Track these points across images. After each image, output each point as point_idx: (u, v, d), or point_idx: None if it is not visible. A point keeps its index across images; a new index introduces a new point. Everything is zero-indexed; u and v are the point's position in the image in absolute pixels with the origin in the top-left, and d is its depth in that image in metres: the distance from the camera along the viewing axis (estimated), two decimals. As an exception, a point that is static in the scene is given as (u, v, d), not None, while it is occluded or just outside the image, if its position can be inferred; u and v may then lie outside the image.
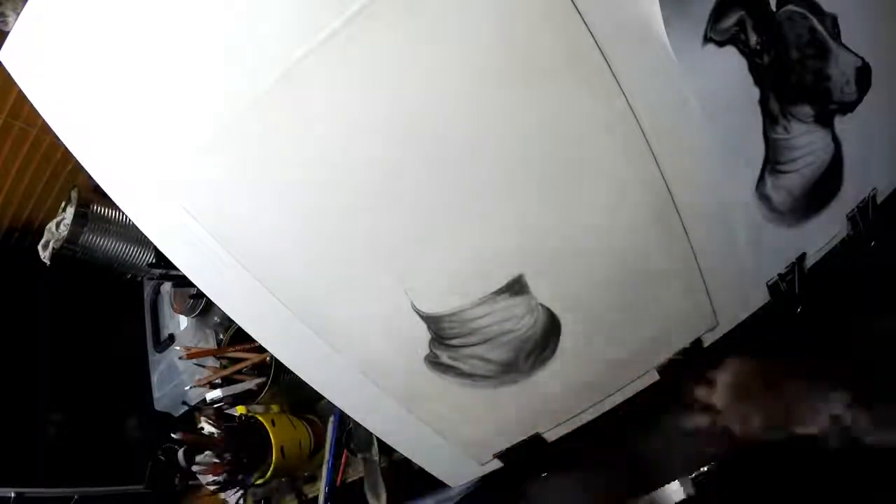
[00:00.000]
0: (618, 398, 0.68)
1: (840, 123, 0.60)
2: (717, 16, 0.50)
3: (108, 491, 1.00)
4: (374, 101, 0.49)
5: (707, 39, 0.50)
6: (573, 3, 0.45)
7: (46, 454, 0.97)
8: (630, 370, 0.66)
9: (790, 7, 0.54)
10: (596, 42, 0.46)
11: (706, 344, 0.65)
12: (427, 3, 0.45)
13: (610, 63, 0.47)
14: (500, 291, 0.58)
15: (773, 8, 0.53)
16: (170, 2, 0.46)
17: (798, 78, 0.57)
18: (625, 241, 0.57)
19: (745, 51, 0.53)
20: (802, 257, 0.64)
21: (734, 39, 0.52)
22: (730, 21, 0.52)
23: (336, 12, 0.44)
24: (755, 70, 0.54)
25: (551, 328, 0.61)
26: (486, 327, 0.60)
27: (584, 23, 0.46)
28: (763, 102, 0.55)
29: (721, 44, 0.51)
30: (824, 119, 0.59)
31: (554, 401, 0.67)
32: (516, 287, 0.58)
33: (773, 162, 0.59)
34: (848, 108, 0.60)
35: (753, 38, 0.53)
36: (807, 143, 0.59)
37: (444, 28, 0.46)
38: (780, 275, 0.64)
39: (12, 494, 0.89)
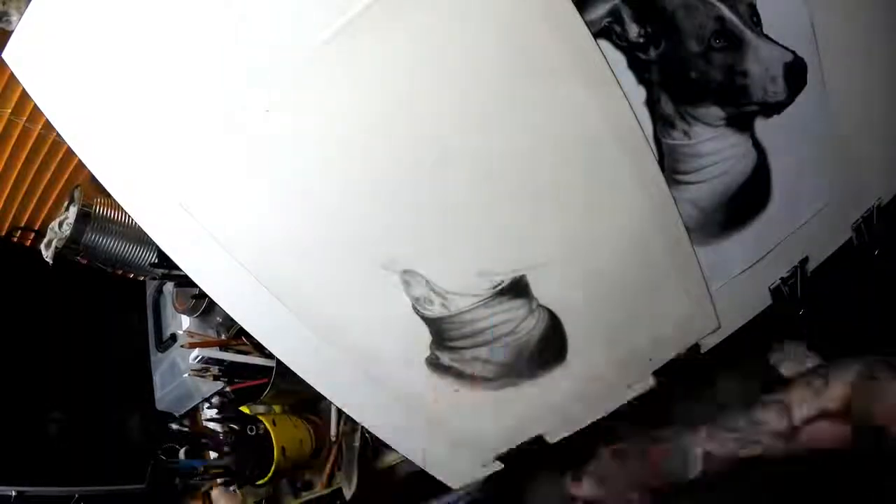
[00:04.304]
0: (619, 400, 0.67)
1: (764, 127, 0.54)
2: (580, 6, 0.45)
3: (109, 490, 1.00)
4: (379, 103, 0.49)
5: None
6: (573, 3, 0.45)
7: (48, 453, 0.97)
8: (631, 372, 0.66)
9: (686, -8, 0.48)
10: (597, 42, 0.46)
11: (708, 347, 0.65)
12: (430, 2, 0.45)
13: (611, 63, 0.47)
14: (502, 293, 0.58)
15: (662, -6, 0.47)
16: (168, 4, 0.46)
17: (700, 75, 0.50)
18: (627, 241, 0.57)
19: (623, 45, 0.47)
20: (805, 261, 0.64)
21: (606, 32, 0.46)
22: (598, 12, 0.46)
23: (337, 14, 0.44)
24: (637, 66, 0.48)
25: (552, 330, 0.61)
26: (488, 329, 0.60)
27: (585, 23, 0.46)
28: (651, 103, 0.50)
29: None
30: (740, 122, 0.53)
31: (555, 402, 0.67)
32: (517, 288, 0.58)
33: (670, 171, 0.53)
34: (773, 109, 0.53)
35: (634, 30, 0.47)
36: (716, 149, 0.53)
37: (450, 29, 0.46)
38: (782, 278, 0.63)
39: (13, 493, 0.89)
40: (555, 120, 0.50)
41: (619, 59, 0.48)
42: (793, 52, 0.51)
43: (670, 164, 0.53)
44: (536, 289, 0.58)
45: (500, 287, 0.57)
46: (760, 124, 0.53)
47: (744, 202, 0.57)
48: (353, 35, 0.45)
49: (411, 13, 0.45)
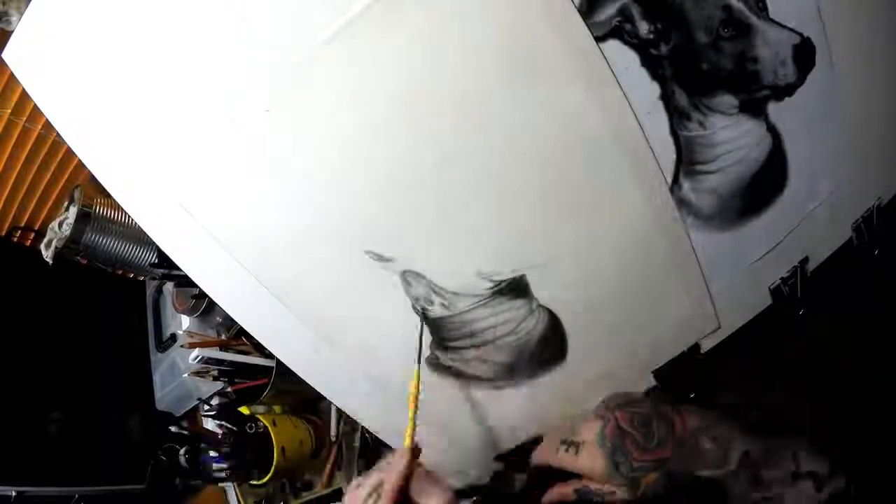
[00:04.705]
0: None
1: (777, 111, 0.53)
2: (589, 7, 0.45)
3: (108, 490, 1.00)
4: (380, 103, 0.49)
5: None
6: (573, 3, 0.45)
7: (48, 453, 0.97)
8: (632, 371, 0.66)
9: (693, -14, 0.48)
10: (596, 41, 0.46)
11: (707, 348, 0.65)
12: (431, 3, 0.45)
13: (610, 63, 0.47)
14: (502, 292, 0.58)
15: (669, -12, 0.48)
16: (168, 4, 0.46)
17: (712, 65, 0.50)
18: (627, 241, 0.57)
19: (634, 42, 0.47)
20: (805, 261, 0.64)
21: (617, 32, 0.47)
22: (608, 12, 0.46)
23: (337, 14, 0.45)
24: (650, 63, 0.48)
25: (553, 330, 0.61)
26: (487, 329, 0.60)
27: (588, 24, 0.46)
28: (666, 98, 0.50)
29: (600, 38, 0.46)
30: (754, 108, 0.52)
31: (556, 403, 0.67)
32: (518, 288, 0.58)
33: (687, 162, 0.53)
34: (785, 92, 0.53)
35: (644, 27, 0.47)
36: (730, 137, 0.53)
37: (450, 29, 0.46)
38: (782, 278, 0.63)
39: (13, 493, 0.89)
40: (555, 120, 0.50)
41: (632, 57, 0.48)
42: (800, 34, 0.51)
43: (688, 156, 0.53)
44: (536, 289, 0.58)
45: (500, 287, 0.57)
46: (773, 108, 0.53)
47: (762, 186, 0.57)
48: (353, 35, 0.45)
49: (412, 13, 0.45)
